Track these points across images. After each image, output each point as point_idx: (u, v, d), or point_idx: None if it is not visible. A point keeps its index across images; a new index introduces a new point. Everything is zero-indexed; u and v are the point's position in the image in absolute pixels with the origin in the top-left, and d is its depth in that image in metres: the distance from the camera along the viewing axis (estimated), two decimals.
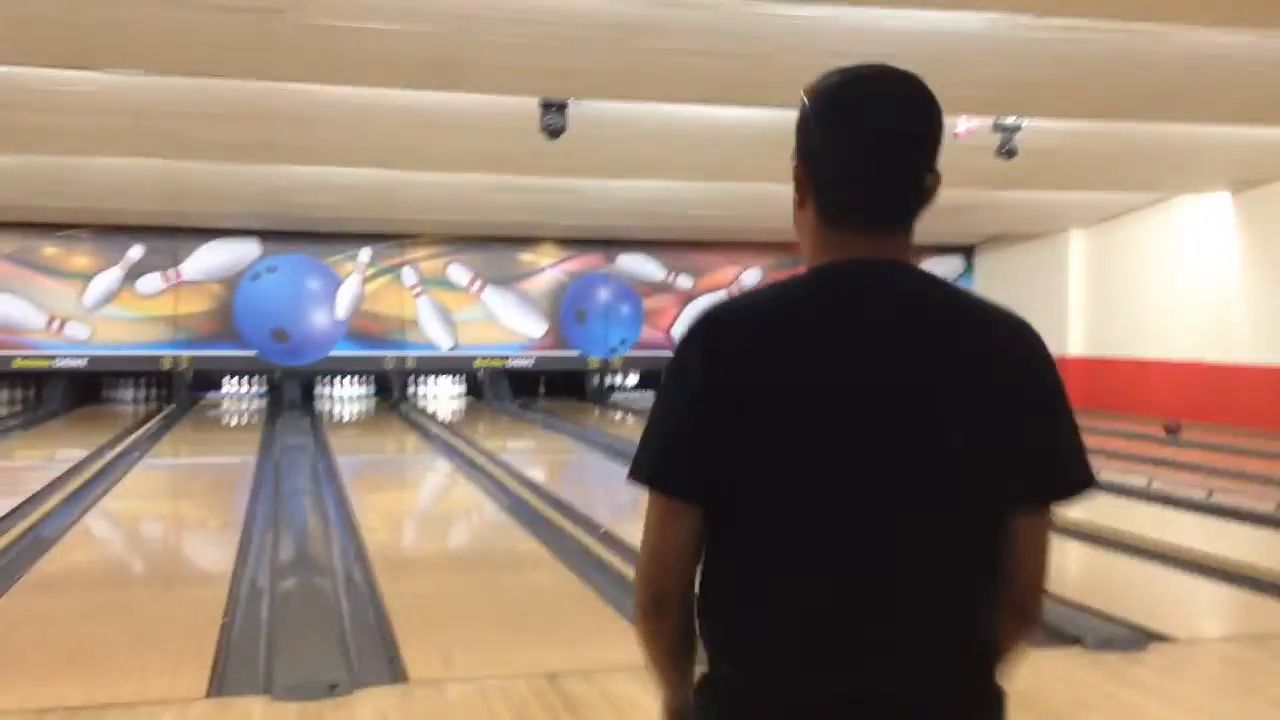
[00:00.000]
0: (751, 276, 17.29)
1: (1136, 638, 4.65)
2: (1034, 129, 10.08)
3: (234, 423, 14.87)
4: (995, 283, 17.35)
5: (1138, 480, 8.82)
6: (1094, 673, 4.23)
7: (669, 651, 1.43)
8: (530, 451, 12.36)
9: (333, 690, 3.89)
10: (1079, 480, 1.42)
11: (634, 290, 17.02)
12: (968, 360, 1.36)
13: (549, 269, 16.86)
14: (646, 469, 1.37)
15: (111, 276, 15.48)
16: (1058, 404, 1.41)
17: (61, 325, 15.30)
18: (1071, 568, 6.69)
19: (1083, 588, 5.99)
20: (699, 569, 1.39)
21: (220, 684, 4.04)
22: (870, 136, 1.38)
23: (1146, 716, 3.83)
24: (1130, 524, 7.14)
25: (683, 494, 1.35)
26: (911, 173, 1.38)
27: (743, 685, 1.35)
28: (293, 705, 3.78)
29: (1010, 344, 1.39)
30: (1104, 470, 9.20)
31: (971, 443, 1.34)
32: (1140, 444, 11.20)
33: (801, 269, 1.44)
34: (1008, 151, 10.06)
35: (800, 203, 1.43)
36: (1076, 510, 6.83)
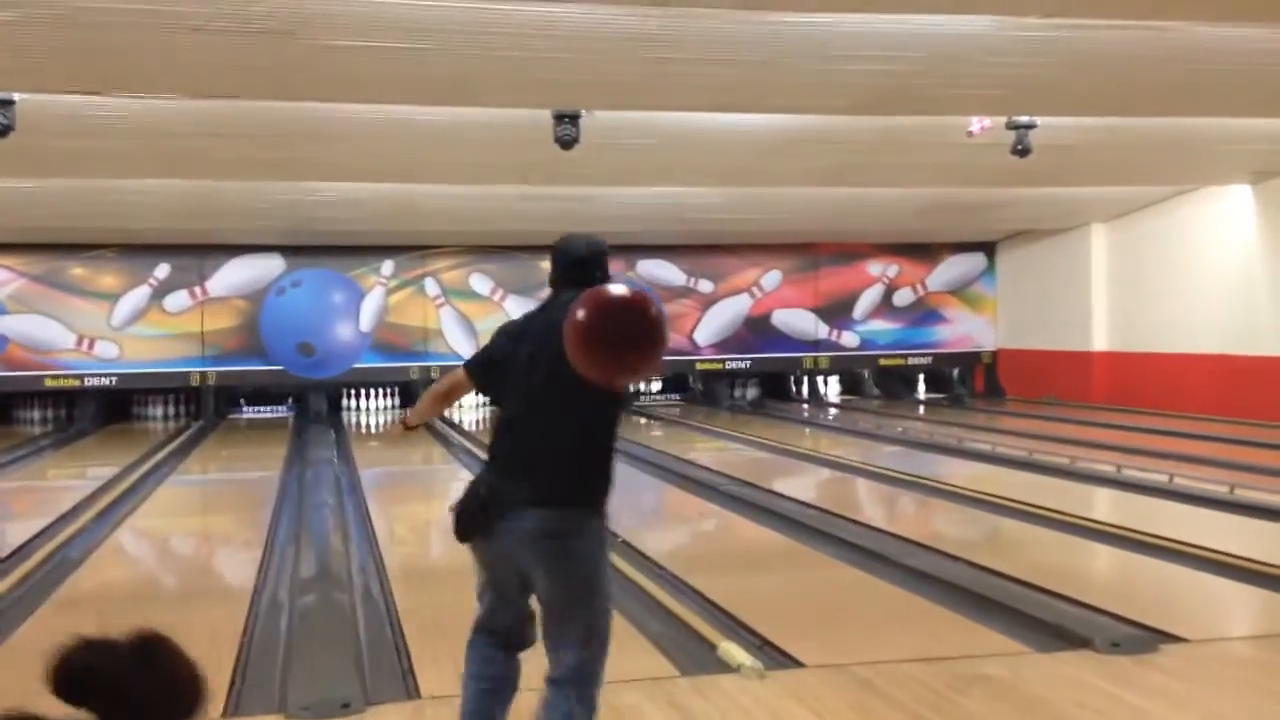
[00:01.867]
0: (771, 278, 17.30)
1: (1147, 639, 4.64)
2: (1049, 125, 10.03)
3: (261, 437, 15.02)
4: (1018, 278, 17.22)
5: (1159, 477, 8.77)
6: (1101, 675, 4.23)
7: (435, 406, 3.76)
8: None
9: (345, 709, 3.96)
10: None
11: (655, 296, 16.98)
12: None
13: None
14: (469, 363, 3.46)
15: (139, 295, 15.69)
16: None
17: (91, 344, 15.52)
18: (1088, 567, 6.65)
19: (1097, 588, 5.96)
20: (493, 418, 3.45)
21: (237, 703, 4.11)
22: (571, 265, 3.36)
23: None
24: (1150, 522, 7.10)
25: (474, 377, 3.43)
26: (586, 282, 3.22)
27: (483, 475, 3.29)
28: None
29: None
30: (1125, 467, 9.27)
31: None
32: (1164, 440, 11.11)
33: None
34: (1022, 150, 10.03)
35: (552, 281, 3.38)
36: (1098, 510, 6.74)
